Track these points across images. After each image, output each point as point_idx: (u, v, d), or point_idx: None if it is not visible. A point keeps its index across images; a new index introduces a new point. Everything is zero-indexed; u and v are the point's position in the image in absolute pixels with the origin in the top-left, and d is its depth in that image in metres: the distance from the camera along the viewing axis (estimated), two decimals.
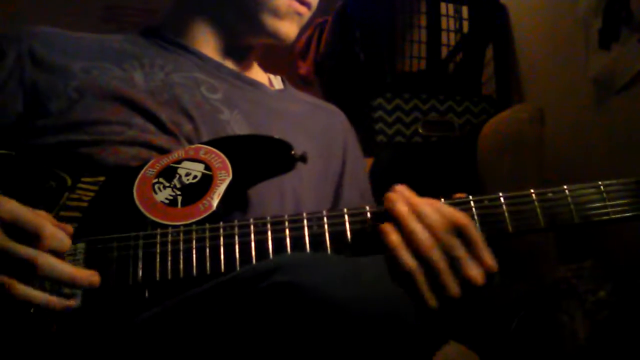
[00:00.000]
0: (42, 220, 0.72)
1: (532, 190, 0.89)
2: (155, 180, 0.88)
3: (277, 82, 1.24)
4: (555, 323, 1.40)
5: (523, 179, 1.72)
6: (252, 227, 0.82)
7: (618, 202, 0.91)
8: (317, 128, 1.15)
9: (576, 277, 1.48)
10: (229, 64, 1.12)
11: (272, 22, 1.06)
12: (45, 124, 0.93)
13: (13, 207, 0.71)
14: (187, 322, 0.68)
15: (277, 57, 1.23)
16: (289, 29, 1.08)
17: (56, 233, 0.72)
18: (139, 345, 0.71)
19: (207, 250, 0.80)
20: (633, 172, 0.99)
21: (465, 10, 2.42)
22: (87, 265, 0.78)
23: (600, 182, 0.91)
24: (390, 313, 0.63)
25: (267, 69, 1.26)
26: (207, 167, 0.90)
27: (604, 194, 0.91)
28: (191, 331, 0.67)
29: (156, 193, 0.86)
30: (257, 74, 1.20)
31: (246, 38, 1.12)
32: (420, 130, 2.21)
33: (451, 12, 2.43)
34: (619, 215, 0.90)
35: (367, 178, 1.22)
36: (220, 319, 0.65)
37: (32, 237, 0.70)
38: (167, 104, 0.98)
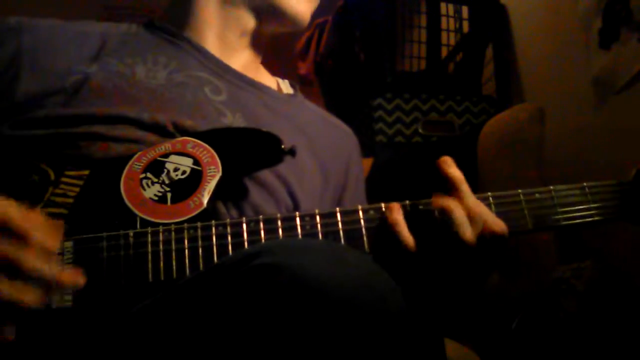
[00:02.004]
0: (32, 226, 0.70)
1: (520, 191, 0.89)
2: (143, 175, 0.86)
3: (285, 86, 1.21)
4: (554, 322, 1.40)
5: (523, 179, 1.72)
6: (244, 226, 0.81)
7: (601, 204, 0.93)
8: (320, 140, 1.12)
9: (576, 277, 1.48)
10: (235, 64, 1.10)
11: (287, 2, 1.05)
12: (37, 115, 0.91)
13: (5, 209, 0.70)
14: (177, 311, 0.68)
15: (277, 57, 1.21)
16: (304, 7, 1.07)
17: (45, 241, 0.70)
18: (132, 338, 0.70)
19: (200, 250, 0.79)
20: (634, 165, 1.00)
21: (465, 10, 2.41)
22: (76, 265, 0.76)
23: (585, 184, 0.93)
24: (375, 292, 0.63)
25: (267, 70, 1.23)
26: (196, 162, 0.88)
27: (589, 196, 0.93)
28: (181, 319, 0.66)
29: (144, 189, 0.84)
30: (263, 76, 1.17)
31: (258, 26, 1.10)
32: (420, 130, 2.20)
33: (451, 12, 2.42)
34: (601, 218, 0.93)
35: (365, 196, 1.20)
36: (208, 304, 0.65)
37: (20, 241, 0.69)
38: (168, 104, 0.96)
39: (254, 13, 1.09)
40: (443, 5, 2.39)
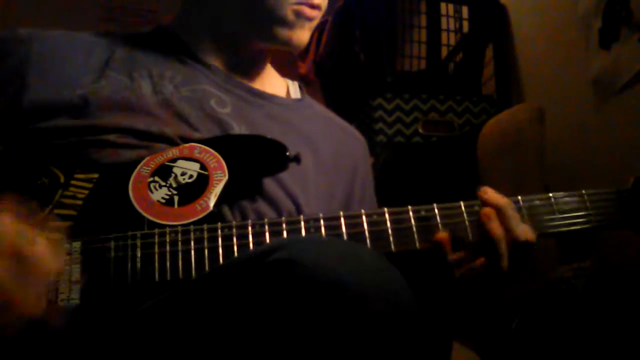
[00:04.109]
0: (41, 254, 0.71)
1: (520, 197, 0.92)
2: (151, 179, 0.87)
3: (294, 89, 1.20)
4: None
5: (523, 179, 1.72)
6: (250, 228, 0.82)
7: (600, 211, 0.96)
8: (326, 146, 1.11)
9: (576, 277, 1.48)
10: (240, 74, 1.09)
11: (283, 33, 1.03)
12: (45, 126, 0.92)
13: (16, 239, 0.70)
14: (192, 307, 0.68)
15: (277, 57, 1.20)
16: (300, 36, 1.04)
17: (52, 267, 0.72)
18: (141, 334, 0.71)
19: (206, 251, 0.80)
20: (633, 172, 1.01)
21: (465, 10, 2.42)
22: (84, 265, 0.78)
23: (584, 191, 0.96)
24: (388, 288, 0.64)
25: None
26: (203, 167, 0.89)
27: (587, 203, 0.96)
28: (196, 315, 0.67)
29: (152, 192, 0.86)
30: (271, 81, 1.17)
31: (257, 45, 1.09)
32: (420, 130, 2.21)
33: (451, 12, 2.43)
34: (599, 225, 0.96)
35: (374, 200, 1.20)
36: (224, 301, 0.65)
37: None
38: (175, 118, 0.97)
39: (252, 38, 1.08)
40: (443, 5, 2.40)
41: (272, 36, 1.04)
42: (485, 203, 0.89)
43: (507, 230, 0.87)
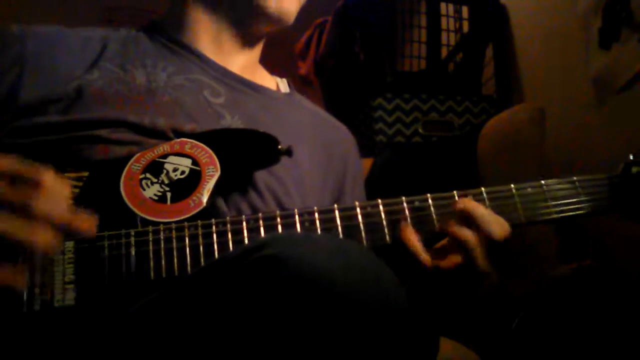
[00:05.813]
0: (42, 173, 0.69)
1: (512, 185, 0.93)
2: (142, 175, 0.87)
3: (283, 86, 1.22)
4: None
5: (523, 178, 1.71)
6: (244, 223, 0.82)
7: (592, 197, 0.96)
8: (317, 138, 1.13)
9: (576, 277, 1.48)
10: (233, 66, 1.10)
11: (268, 3, 1.04)
12: (38, 122, 0.92)
13: (15, 161, 0.69)
14: (179, 306, 0.68)
15: (277, 57, 1.21)
16: (287, 4, 1.05)
17: (56, 185, 0.69)
18: (134, 335, 0.70)
19: (201, 247, 0.80)
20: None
21: (465, 10, 2.42)
22: (78, 265, 0.77)
23: (575, 178, 0.97)
24: (379, 286, 0.63)
25: (267, 69, 1.23)
26: (195, 162, 0.89)
27: (579, 189, 0.96)
28: (184, 314, 0.66)
29: (144, 189, 0.85)
30: (262, 77, 1.18)
31: (247, 26, 1.10)
32: (420, 130, 2.21)
33: (451, 12, 2.42)
34: (591, 210, 0.96)
35: (364, 195, 1.21)
36: (211, 299, 0.65)
37: (32, 187, 0.68)
38: (168, 107, 0.97)
39: (240, 17, 1.09)
40: (443, 5, 2.39)
41: (258, 8, 1.04)
42: (458, 212, 0.88)
43: (481, 231, 0.87)
